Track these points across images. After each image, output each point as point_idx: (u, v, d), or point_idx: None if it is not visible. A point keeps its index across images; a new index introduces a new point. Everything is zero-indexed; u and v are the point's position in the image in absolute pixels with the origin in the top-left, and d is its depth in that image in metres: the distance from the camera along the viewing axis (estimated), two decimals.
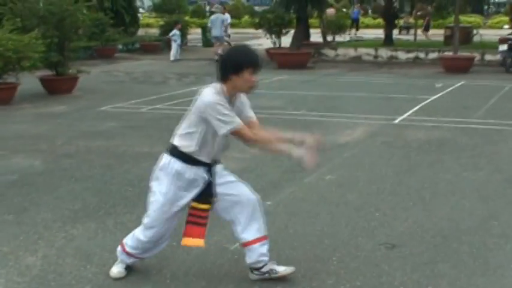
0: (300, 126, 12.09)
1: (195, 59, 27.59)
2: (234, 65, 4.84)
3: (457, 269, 5.55)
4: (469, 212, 7.13)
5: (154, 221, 5.18)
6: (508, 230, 6.57)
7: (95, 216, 7.01)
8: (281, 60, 24.51)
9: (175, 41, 27.19)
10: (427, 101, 15.32)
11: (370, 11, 59.44)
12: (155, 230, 5.21)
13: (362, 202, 7.51)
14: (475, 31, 32.40)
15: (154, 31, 37.01)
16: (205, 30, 35.88)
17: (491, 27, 45.98)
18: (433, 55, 26.05)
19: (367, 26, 48.39)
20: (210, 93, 4.88)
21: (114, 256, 5.79)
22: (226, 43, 27.85)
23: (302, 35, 27.32)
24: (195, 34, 37.32)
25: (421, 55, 26.89)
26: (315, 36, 32.17)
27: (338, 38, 34.02)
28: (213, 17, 28.50)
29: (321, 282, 5.33)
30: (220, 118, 4.77)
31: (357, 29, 43.83)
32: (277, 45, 26.81)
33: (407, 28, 42.91)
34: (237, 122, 4.84)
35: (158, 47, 30.90)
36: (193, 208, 5.19)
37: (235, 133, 4.86)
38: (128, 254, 5.42)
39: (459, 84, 18.73)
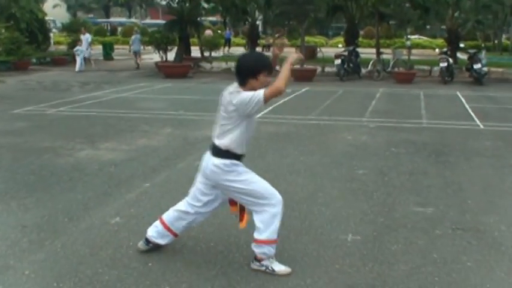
0: (177, 124, 12.09)
1: (96, 70, 27.02)
2: (252, 70, 4.58)
3: (288, 229, 5.71)
4: (301, 186, 7.32)
5: (268, 194, 4.81)
6: (329, 200, 6.81)
7: (2, 200, 6.76)
8: (167, 71, 24.32)
9: (78, 55, 26.62)
10: (279, 102, 15.54)
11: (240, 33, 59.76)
12: (275, 197, 4.84)
13: None
14: (318, 49, 33.15)
15: (63, 47, 36.22)
16: (105, 46, 35.40)
17: (332, 46, 47.09)
18: None
19: (238, 45, 48.59)
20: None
21: (16, 231, 5.67)
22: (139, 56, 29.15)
23: (184, 51, 27.23)
24: (97, 50, 36.51)
25: (277, 67, 27.23)
26: (195, 52, 32.06)
27: (214, 54, 34.10)
28: (133, 37, 29.48)
29: (183, 245, 5.34)
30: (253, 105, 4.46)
31: (229, 47, 43.96)
32: (164, 59, 26.70)
33: (268, 46, 43.33)
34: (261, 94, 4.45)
35: (66, 60, 30.05)
36: None
37: (266, 100, 4.45)
38: (275, 243, 4.84)
39: (304, 90, 19.13)
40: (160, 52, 26.85)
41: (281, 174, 8.02)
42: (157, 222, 5.12)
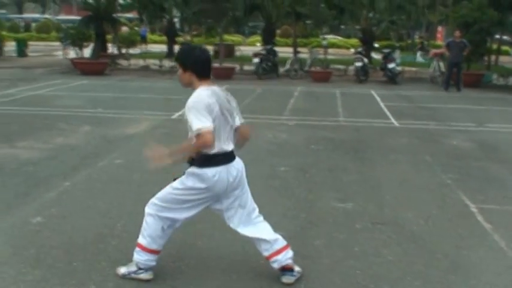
0: (95, 122, 11.88)
1: (9, 67, 26.08)
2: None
3: (213, 227, 5.74)
4: None
5: None
6: (252, 196, 6.84)
7: None
8: (83, 68, 23.81)
9: None
10: None
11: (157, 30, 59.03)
12: None
13: (144, 180, 7.51)
14: (237, 47, 33.36)
15: None
16: (19, 42, 34.34)
17: (249, 44, 47.39)
18: None
19: (155, 42, 48.04)
20: None
21: None
22: None
23: (100, 48, 26.75)
24: (11, 46, 35.34)
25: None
26: (112, 48, 31.53)
27: (131, 51, 33.66)
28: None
29: (107, 243, 5.31)
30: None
31: (146, 44, 43.48)
32: (80, 55, 26.18)
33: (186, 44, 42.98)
34: None
35: None
36: None
37: None
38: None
39: (223, 88, 19.16)
40: (76, 48, 26.30)
41: None
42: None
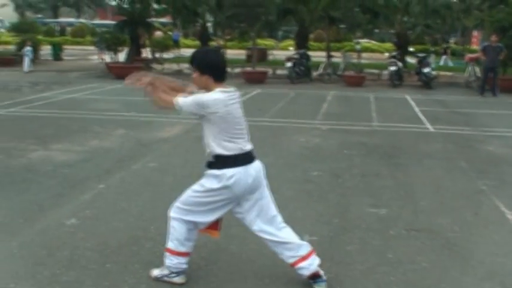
0: (129, 125, 11.99)
1: (45, 70, 26.51)
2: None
3: (247, 231, 5.74)
4: None
5: None
6: (285, 201, 6.78)
7: None
8: (118, 72, 24.00)
9: (27, 55, 26.14)
10: None
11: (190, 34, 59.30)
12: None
13: (177, 183, 7.51)
14: (270, 52, 33.36)
15: (11, 47, 35.32)
16: (54, 46, 34.85)
17: (282, 48, 47.32)
18: (237, 70, 26.55)
19: (188, 46, 48.23)
20: None
21: None
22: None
23: (134, 52, 27.04)
24: (46, 50, 35.85)
25: (228, 69, 27.23)
26: (146, 53, 31.81)
27: (164, 55, 33.88)
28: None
29: (141, 246, 5.35)
30: None
31: (179, 48, 43.70)
32: (115, 60, 26.46)
33: (218, 48, 43.12)
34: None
35: (14, 60, 29.35)
36: None
37: None
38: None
39: (256, 92, 19.18)
40: (111, 53, 26.60)
41: None
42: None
